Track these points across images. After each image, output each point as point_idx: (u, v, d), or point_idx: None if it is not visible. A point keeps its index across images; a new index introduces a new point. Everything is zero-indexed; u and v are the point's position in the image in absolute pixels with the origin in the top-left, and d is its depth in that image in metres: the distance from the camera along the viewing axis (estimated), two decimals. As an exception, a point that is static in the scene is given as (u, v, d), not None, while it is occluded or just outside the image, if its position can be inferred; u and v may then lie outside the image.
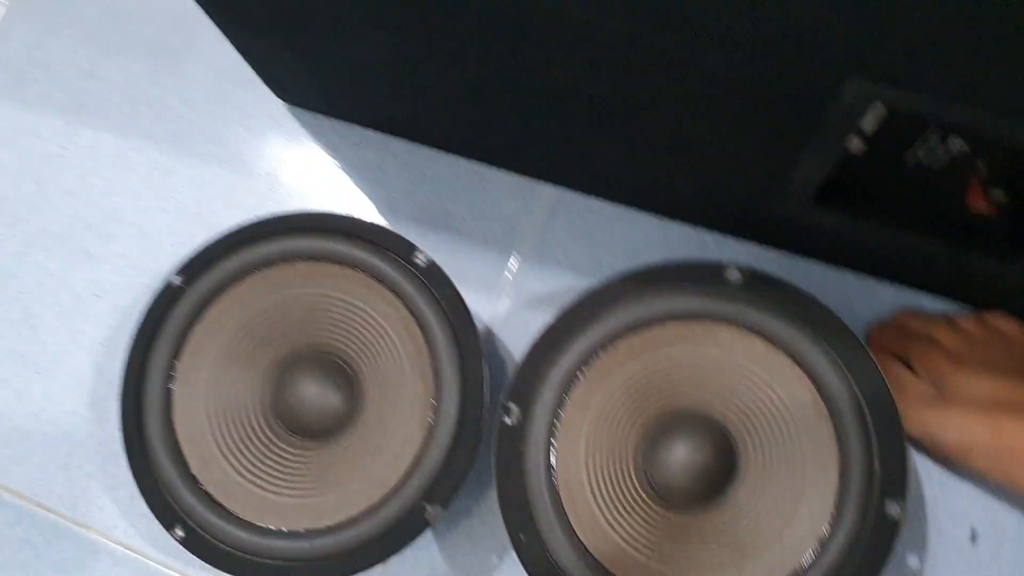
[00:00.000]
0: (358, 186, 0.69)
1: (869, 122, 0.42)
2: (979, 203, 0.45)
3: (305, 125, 0.71)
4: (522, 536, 0.54)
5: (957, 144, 0.47)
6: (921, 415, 0.56)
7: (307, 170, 0.70)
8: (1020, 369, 0.55)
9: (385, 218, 0.68)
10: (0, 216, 0.73)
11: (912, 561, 0.59)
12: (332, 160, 0.70)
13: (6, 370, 0.70)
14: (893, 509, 0.52)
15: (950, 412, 0.55)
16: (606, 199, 0.66)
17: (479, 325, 0.65)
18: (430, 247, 0.62)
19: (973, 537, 0.59)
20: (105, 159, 0.72)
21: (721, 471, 0.56)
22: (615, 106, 0.50)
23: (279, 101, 0.71)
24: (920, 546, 0.59)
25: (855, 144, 0.45)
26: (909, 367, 0.58)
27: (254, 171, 0.70)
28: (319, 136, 0.70)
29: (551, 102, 0.52)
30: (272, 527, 0.56)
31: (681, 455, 0.57)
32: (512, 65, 0.49)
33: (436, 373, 0.57)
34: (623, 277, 0.57)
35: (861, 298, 0.63)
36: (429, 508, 0.55)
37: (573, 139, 0.58)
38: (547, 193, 0.67)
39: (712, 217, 0.63)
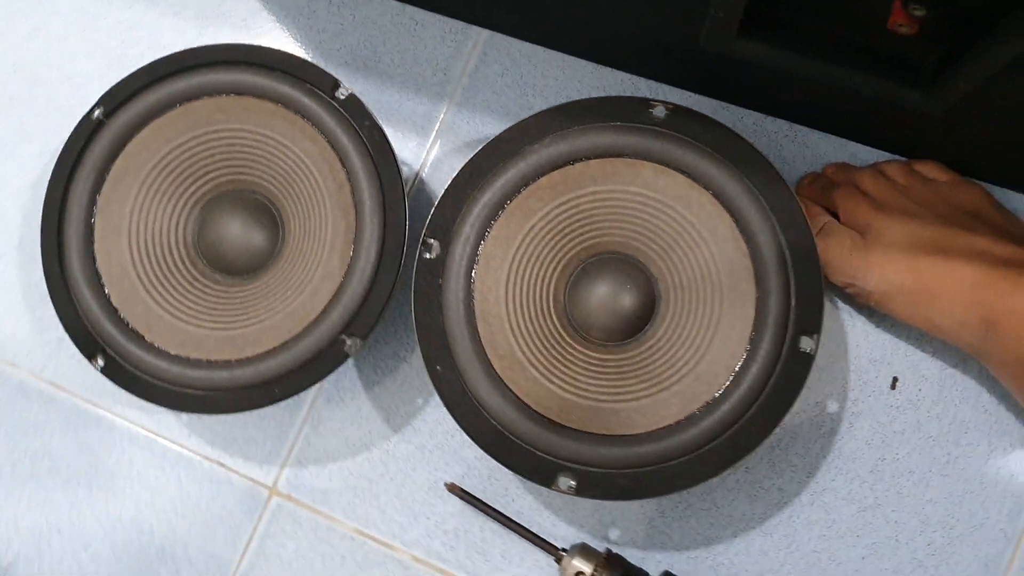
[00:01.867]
0: (287, 28, 0.67)
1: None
2: (900, 20, 0.45)
3: (234, -34, 0.69)
4: (439, 368, 0.55)
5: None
6: (845, 262, 0.56)
7: (235, 12, 0.68)
8: (943, 215, 0.55)
9: (314, 60, 0.66)
10: (-76, 60, 0.71)
11: (832, 407, 0.60)
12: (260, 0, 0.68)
13: (-67, 215, 0.69)
14: (807, 344, 0.52)
15: (872, 257, 0.55)
16: (540, 44, 0.65)
17: (409, 171, 0.65)
18: (359, 91, 0.61)
19: (894, 384, 0.60)
20: (28, 2, 0.70)
21: (641, 310, 0.56)
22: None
23: (207, -59, 0.69)
24: (841, 393, 0.60)
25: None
26: (836, 218, 0.58)
27: (181, 13, 0.68)
28: (248, -24, 0.68)
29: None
30: (192, 357, 0.56)
31: (602, 294, 0.57)
32: None
33: (357, 208, 0.56)
34: (546, 112, 0.56)
35: (793, 148, 0.62)
36: (348, 340, 0.55)
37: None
38: (480, 37, 0.66)
39: (644, 62, 0.62)
